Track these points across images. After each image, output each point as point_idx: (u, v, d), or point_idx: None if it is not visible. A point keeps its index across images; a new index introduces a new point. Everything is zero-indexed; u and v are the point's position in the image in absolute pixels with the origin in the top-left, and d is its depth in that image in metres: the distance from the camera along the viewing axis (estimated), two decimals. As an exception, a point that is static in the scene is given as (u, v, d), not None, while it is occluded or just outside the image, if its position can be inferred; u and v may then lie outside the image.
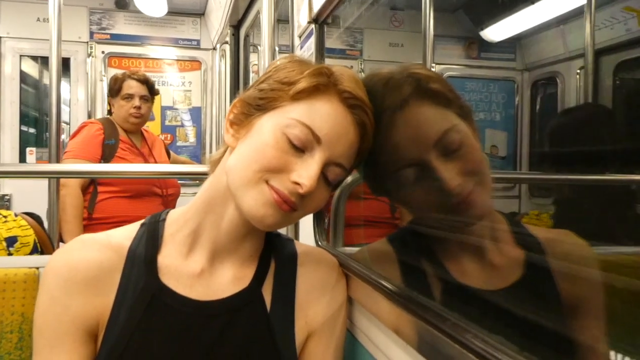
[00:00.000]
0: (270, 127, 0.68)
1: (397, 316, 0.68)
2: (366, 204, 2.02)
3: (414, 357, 0.64)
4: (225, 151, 0.76)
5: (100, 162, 2.16)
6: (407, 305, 0.64)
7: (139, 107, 2.32)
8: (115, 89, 2.31)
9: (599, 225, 0.99)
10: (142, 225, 0.78)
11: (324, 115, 0.68)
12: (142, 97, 2.33)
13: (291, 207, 0.66)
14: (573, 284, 0.75)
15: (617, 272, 0.88)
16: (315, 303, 0.79)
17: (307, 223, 1.13)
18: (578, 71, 1.90)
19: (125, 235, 0.76)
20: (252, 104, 0.71)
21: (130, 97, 2.31)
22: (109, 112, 2.37)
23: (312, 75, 0.68)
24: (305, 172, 0.66)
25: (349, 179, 1.04)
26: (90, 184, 2.20)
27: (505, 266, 0.76)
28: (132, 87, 2.32)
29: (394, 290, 0.68)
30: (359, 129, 0.70)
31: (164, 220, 0.78)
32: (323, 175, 0.68)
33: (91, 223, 2.16)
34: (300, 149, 0.67)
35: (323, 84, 0.69)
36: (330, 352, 0.78)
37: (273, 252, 0.80)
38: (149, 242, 0.75)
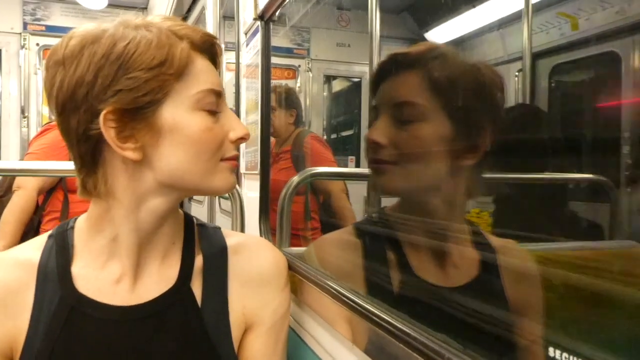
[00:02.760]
0: (182, 114, 0.65)
1: (345, 317, 0.68)
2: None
3: (360, 357, 0.64)
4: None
5: None
6: (353, 305, 0.63)
7: None
8: None
9: (534, 222, 1.03)
10: (49, 236, 0.73)
11: (208, 71, 0.69)
12: None
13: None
14: (517, 288, 0.78)
15: (551, 267, 0.93)
16: (253, 294, 0.76)
17: (253, 223, 1.12)
18: (517, 73, 1.97)
19: (33, 249, 0.72)
20: (133, 107, 0.63)
21: None
22: None
23: (175, 45, 0.65)
24: (235, 124, 0.71)
25: (295, 179, 1.04)
26: (57, 190, 2.07)
27: (462, 266, 0.78)
28: None
29: (342, 292, 0.68)
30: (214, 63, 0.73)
31: (72, 228, 0.74)
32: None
33: None
34: (217, 111, 0.69)
35: (187, 47, 0.67)
36: (275, 351, 0.77)
37: (199, 244, 0.77)
38: (59, 254, 0.70)
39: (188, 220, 0.79)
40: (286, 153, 2.35)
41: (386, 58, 0.81)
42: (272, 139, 2.56)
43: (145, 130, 0.64)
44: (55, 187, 2.08)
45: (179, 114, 0.65)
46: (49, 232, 0.74)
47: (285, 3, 0.93)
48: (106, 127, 0.62)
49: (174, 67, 0.64)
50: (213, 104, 0.68)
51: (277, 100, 2.41)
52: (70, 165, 0.71)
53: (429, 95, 0.73)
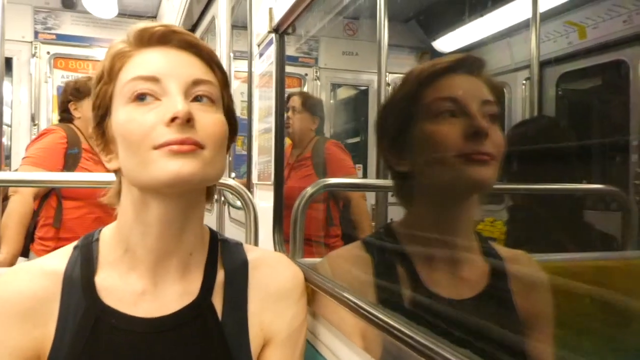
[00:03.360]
0: (116, 113, 0.67)
1: (360, 329, 0.68)
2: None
3: (377, 368, 0.64)
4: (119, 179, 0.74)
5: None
6: (370, 317, 0.64)
7: None
8: (85, 91, 2.18)
9: (548, 231, 1.03)
10: (75, 247, 0.75)
11: (143, 61, 0.68)
12: None
13: (192, 143, 0.63)
14: (526, 300, 0.79)
15: (563, 278, 0.93)
16: (271, 309, 0.77)
17: (266, 235, 1.12)
18: (524, 82, 1.97)
19: (59, 260, 0.73)
20: (97, 122, 0.71)
21: None
22: (67, 120, 2.21)
23: (110, 54, 0.70)
24: (172, 106, 0.64)
25: (309, 189, 1.04)
26: (51, 196, 2.08)
27: (472, 278, 0.79)
28: None
29: (357, 303, 0.68)
30: (187, 46, 0.70)
31: (97, 240, 0.75)
32: (197, 99, 0.67)
33: (60, 245, 2.05)
34: (151, 96, 0.65)
35: (126, 48, 0.69)
36: None
37: (221, 259, 0.78)
38: (84, 265, 0.72)
39: (213, 235, 0.80)
40: (307, 160, 2.34)
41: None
42: (287, 146, 2.58)
43: (109, 140, 0.71)
44: (49, 193, 2.09)
45: (115, 114, 0.68)
46: (75, 243, 0.75)
47: (300, 16, 0.94)
48: (96, 143, 0.73)
49: (107, 75, 0.69)
50: (142, 89, 0.65)
51: (302, 104, 2.40)
52: (63, 175, 0.74)
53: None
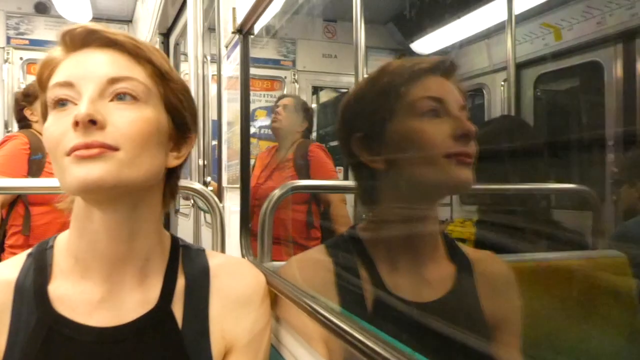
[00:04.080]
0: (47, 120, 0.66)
1: (322, 335, 0.66)
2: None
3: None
4: None
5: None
6: (329, 324, 0.62)
7: None
8: (34, 93, 2.16)
9: (516, 230, 1.02)
10: (28, 255, 0.72)
11: (66, 67, 0.65)
12: None
13: (99, 146, 0.60)
14: (493, 301, 0.77)
15: (533, 277, 0.92)
16: (232, 316, 0.75)
17: (234, 237, 1.10)
18: (502, 83, 1.98)
19: (10, 269, 0.70)
20: None
21: None
22: (26, 126, 2.18)
23: (42, 62, 0.69)
24: (78, 107, 0.61)
25: (277, 192, 1.02)
26: (18, 204, 2.04)
27: (437, 280, 0.77)
28: None
29: (316, 309, 0.66)
30: (109, 44, 0.67)
31: (52, 247, 0.72)
32: (119, 98, 0.64)
33: (30, 247, 2.02)
34: (68, 101, 0.63)
35: (57, 54, 0.67)
36: None
37: (182, 266, 0.75)
38: (37, 273, 0.69)
39: (174, 241, 0.77)
40: (289, 162, 2.34)
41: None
42: (272, 146, 2.59)
43: None
44: (16, 200, 2.06)
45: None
46: (28, 251, 0.73)
47: (262, 16, 0.92)
48: None
49: (39, 84, 0.69)
50: (58, 95, 0.63)
51: (294, 105, 2.43)
52: (31, 182, 0.71)
53: None
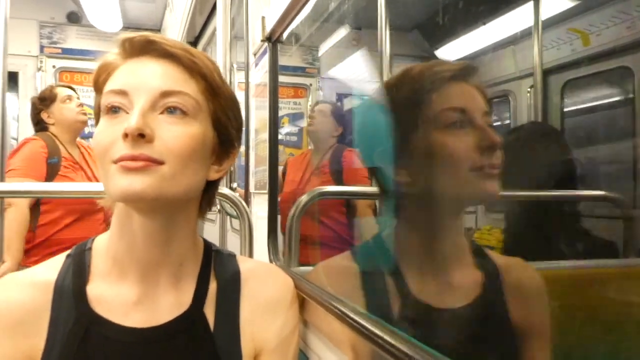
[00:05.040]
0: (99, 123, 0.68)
1: (350, 338, 0.67)
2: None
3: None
4: None
5: (45, 182, 2.07)
6: (357, 327, 0.62)
7: (81, 105, 2.32)
8: (50, 97, 2.24)
9: (545, 239, 1.01)
10: (67, 256, 0.74)
11: (121, 73, 0.67)
12: (77, 99, 2.33)
13: (145, 159, 0.62)
14: (522, 309, 0.77)
15: (561, 287, 0.91)
16: (261, 319, 0.76)
17: (261, 242, 1.11)
18: (529, 90, 1.96)
19: (50, 270, 0.72)
20: None
21: (69, 98, 2.28)
22: (42, 129, 2.26)
23: (98, 66, 0.70)
24: (129, 118, 0.62)
25: (304, 198, 1.04)
26: (35, 204, 2.11)
27: (464, 287, 0.77)
28: (64, 91, 2.30)
29: (348, 313, 0.67)
30: (165, 56, 0.68)
31: (90, 249, 0.74)
32: (169, 111, 0.65)
33: (34, 245, 2.08)
34: (121, 108, 0.65)
35: (113, 59, 0.69)
36: None
37: (214, 271, 0.77)
38: (76, 274, 0.71)
39: (207, 246, 0.79)
40: (325, 167, 2.38)
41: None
42: (308, 151, 2.65)
43: None
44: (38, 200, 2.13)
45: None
46: (67, 252, 0.75)
47: (291, 24, 0.94)
48: None
49: (95, 87, 0.71)
50: (112, 102, 0.65)
51: (331, 111, 2.48)
52: (58, 186, 0.73)
53: None
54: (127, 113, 0.64)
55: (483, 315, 0.75)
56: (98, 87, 0.70)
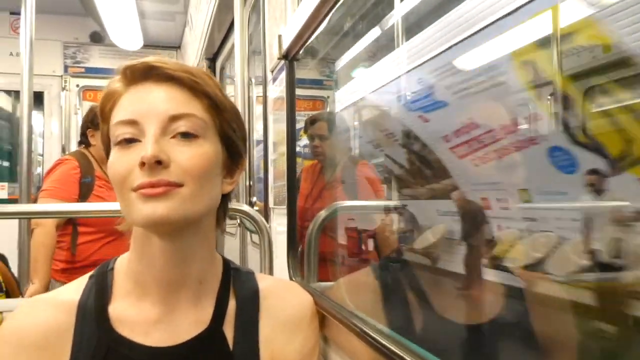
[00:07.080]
0: (111, 153, 0.69)
1: (369, 356, 0.66)
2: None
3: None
4: None
5: (77, 201, 2.10)
6: (379, 346, 0.62)
7: None
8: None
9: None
10: (90, 277, 0.76)
11: (127, 103, 0.68)
12: None
13: (164, 185, 0.63)
14: (550, 322, 0.75)
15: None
16: (281, 337, 0.76)
17: (280, 258, 1.12)
18: (549, 97, 1.93)
19: (74, 290, 0.74)
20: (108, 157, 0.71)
21: None
22: (85, 143, 2.29)
23: (103, 95, 0.71)
24: (144, 146, 0.64)
25: (322, 213, 1.04)
26: (69, 224, 2.15)
27: (487, 302, 0.76)
28: None
29: (368, 330, 0.67)
30: (167, 79, 0.69)
31: (112, 269, 0.76)
32: (181, 135, 0.66)
33: (74, 266, 2.11)
34: (135, 140, 0.66)
35: (117, 87, 0.70)
36: None
37: (233, 288, 0.78)
38: (98, 295, 0.72)
39: (226, 264, 0.80)
40: (337, 182, 2.35)
41: None
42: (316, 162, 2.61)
43: None
44: (67, 222, 2.16)
45: (110, 154, 0.69)
46: (90, 273, 0.76)
47: (306, 43, 0.95)
48: None
49: (101, 116, 0.72)
50: (123, 134, 0.66)
51: (329, 129, 2.43)
52: (84, 206, 0.74)
53: None
54: (140, 141, 0.66)
55: (505, 330, 0.74)
56: (105, 116, 0.71)
